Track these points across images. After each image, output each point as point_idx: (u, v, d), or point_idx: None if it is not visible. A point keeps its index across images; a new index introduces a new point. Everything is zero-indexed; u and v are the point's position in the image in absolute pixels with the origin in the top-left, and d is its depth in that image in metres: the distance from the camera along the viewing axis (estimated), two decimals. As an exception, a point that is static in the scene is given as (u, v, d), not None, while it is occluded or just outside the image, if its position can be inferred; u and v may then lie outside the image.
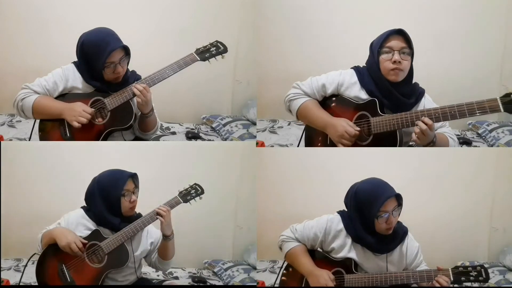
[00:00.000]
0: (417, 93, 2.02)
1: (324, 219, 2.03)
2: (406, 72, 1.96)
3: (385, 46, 1.94)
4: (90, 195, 2.08)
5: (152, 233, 2.17)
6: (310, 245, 2.05)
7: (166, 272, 2.71)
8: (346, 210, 2.03)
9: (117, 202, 2.03)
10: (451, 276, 1.83)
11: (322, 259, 2.02)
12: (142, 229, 2.08)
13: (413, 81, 2.03)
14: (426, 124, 1.82)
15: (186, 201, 2.13)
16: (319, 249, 2.05)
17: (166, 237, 2.09)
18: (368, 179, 1.98)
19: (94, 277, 2.02)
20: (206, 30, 2.81)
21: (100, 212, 2.04)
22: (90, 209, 2.08)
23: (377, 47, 1.95)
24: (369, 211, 1.89)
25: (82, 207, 2.11)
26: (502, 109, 1.71)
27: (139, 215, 2.11)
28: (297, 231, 2.07)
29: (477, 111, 1.74)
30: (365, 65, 2.07)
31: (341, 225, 2.00)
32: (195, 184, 2.16)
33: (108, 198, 2.03)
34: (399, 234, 1.98)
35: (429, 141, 1.86)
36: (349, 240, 1.98)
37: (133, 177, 2.07)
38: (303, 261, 2.01)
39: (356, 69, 2.07)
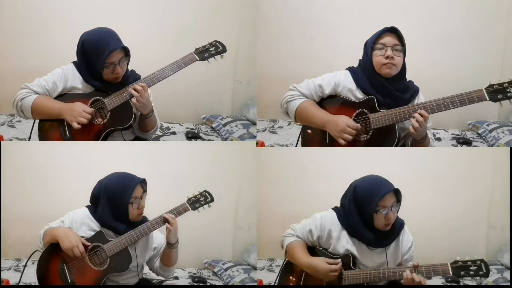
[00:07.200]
0: (412, 90, 2.06)
1: (318, 216, 2.05)
2: (399, 68, 2.01)
3: (378, 42, 1.99)
4: (96, 199, 2.02)
5: (155, 238, 2.12)
6: (310, 241, 2.05)
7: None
8: (342, 208, 2.04)
9: (125, 210, 1.97)
10: (450, 270, 1.80)
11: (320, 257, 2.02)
12: (147, 234, 2.02)
13: (409, 79, 2.07)
14: (422, 116, 1.90)
15: (194, 208, 2.05)
16: (318, 247, 2.05)
17: (171, 245, 2.04)
18: (367, 176, 1.99)
19: (95, 279, 1.98)
20: (205, 30, 2.81)
21: (106, 217, 2.00)
22: (95, 211, 2.03)
23: (371, 43, 2.01)
24: (368, 206, 1.90)
25: (87, 206, 2.06)
26: (487, 98, 1.85)
27: (144, 219, 2.06)
28: (296, 229, 2.09)
29: (467, 101, 1.87)
30: (359, 65, 2.09)
31: (335, 220, 2.01)
32: (205, 191, 2.09)
33: (115, 205, 1.98)
34: (396, 228, 1.99)
35: (424, 134, 1.97)
36: (344, 232, 1.99)
37: (142, 182, 2.01)
38: (299, 254, 2.00)
39: (350, 69, 2.10)
